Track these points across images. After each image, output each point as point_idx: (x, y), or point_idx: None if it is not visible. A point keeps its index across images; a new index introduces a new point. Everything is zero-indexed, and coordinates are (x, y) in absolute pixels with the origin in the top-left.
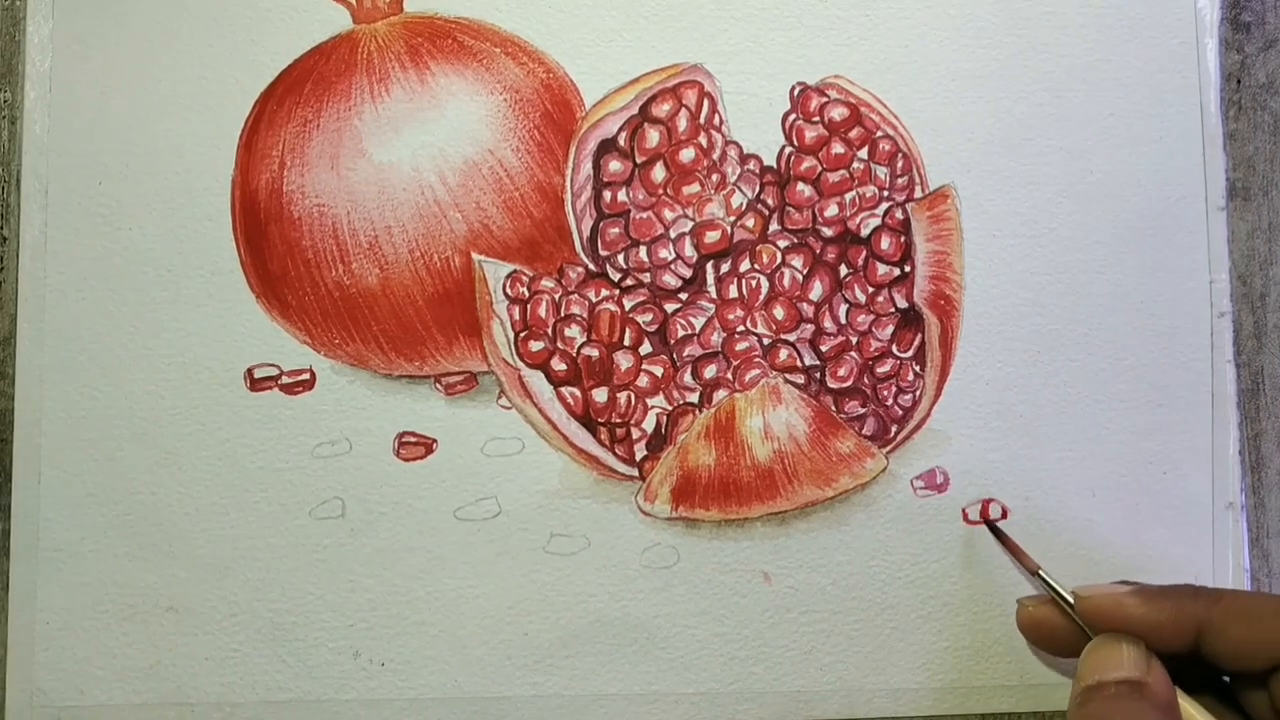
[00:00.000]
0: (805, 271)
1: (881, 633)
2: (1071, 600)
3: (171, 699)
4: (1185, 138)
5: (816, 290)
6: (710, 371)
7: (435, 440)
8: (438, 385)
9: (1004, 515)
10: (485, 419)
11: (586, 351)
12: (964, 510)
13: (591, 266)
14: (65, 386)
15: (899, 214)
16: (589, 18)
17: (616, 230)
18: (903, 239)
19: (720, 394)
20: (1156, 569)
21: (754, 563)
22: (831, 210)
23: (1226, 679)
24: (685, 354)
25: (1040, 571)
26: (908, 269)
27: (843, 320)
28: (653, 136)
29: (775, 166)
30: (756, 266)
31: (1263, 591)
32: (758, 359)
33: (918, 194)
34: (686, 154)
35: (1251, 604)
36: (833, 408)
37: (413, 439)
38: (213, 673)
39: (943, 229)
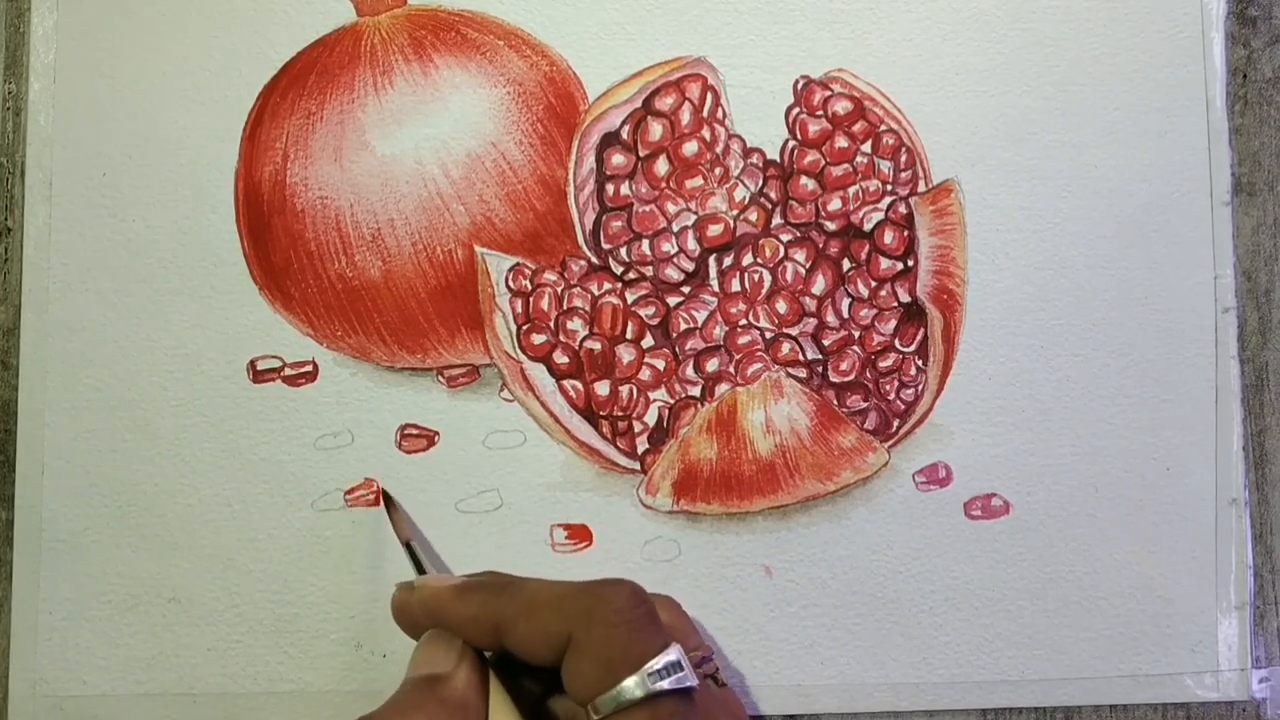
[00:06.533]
0: (808, 265)
1: (883, 627)
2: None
3: (174, 689)
4: (1190, 132)
5: (819, 284)
6: (712, 365)
7: (437, 432)
8: (440, 378)
9: (1006, 510)
10: (487, 411)
11: (589, 345)
12: (965, 504)
13: (594, 260)
14: (69, 378)
15: (902, 208)
16: (592, 10)
17: (619, 223)
18: (906, 233)
19: (722, 388)
20: (1159, 565)
21: (755, 556)
22: (834, 204)
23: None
24: (687, 347)
25: (411, 542)
26: (911, 263)
27: (845, 314)
28: (656, 130)
29: (778, 160)
30: (759, 260)
31: (554, 580)
32: (760, 353)
33: (921, 188)
34: (689, 147)
35: (537, 595)
36: (835, 402)
37: (415, 431)
38: (215, 663)
39: (946, 223)
